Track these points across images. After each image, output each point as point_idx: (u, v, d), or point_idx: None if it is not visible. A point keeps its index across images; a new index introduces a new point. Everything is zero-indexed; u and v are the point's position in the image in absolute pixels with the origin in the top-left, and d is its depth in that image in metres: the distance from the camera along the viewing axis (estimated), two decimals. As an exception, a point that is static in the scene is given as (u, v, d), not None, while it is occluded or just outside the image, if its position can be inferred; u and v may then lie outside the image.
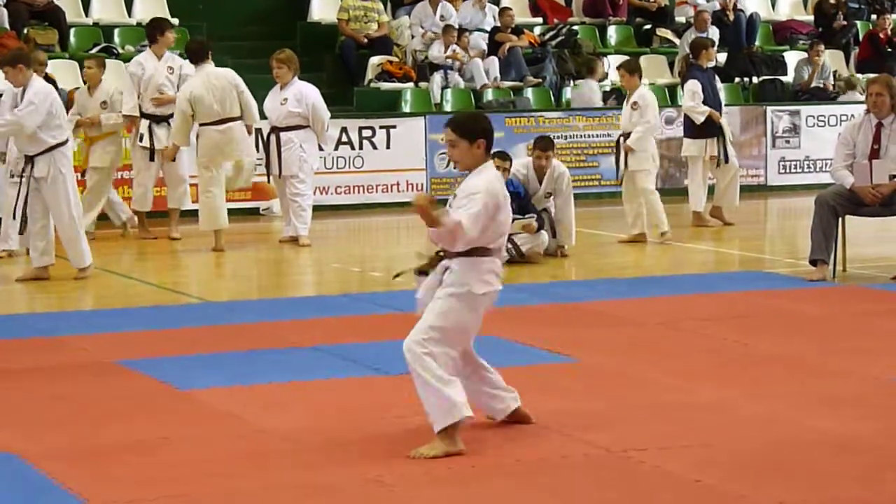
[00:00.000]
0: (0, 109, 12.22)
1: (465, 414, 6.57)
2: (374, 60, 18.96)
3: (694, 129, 15.48)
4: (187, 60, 14.83)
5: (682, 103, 15.80)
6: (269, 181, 15.03)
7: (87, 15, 18.85)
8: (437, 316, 6.64)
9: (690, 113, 15.45)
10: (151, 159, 14.84)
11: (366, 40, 19.21)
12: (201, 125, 14.11)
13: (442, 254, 6.78)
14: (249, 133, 14.45)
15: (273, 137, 14.49)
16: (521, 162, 13.53)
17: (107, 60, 16.75)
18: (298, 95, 14.45)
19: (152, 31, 15.23)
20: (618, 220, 15.80)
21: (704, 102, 15.37)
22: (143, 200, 15.03)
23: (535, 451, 6.64)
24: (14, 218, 12.48)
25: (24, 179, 12.17)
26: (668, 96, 19.91)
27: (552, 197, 13.39)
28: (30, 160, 12.10)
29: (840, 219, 11.83)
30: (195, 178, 14.61)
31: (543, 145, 13.34)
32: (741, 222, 15.77)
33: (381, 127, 17.38)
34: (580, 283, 12.31)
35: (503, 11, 19.98)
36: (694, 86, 15.41)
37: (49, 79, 15.55)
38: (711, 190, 15.83)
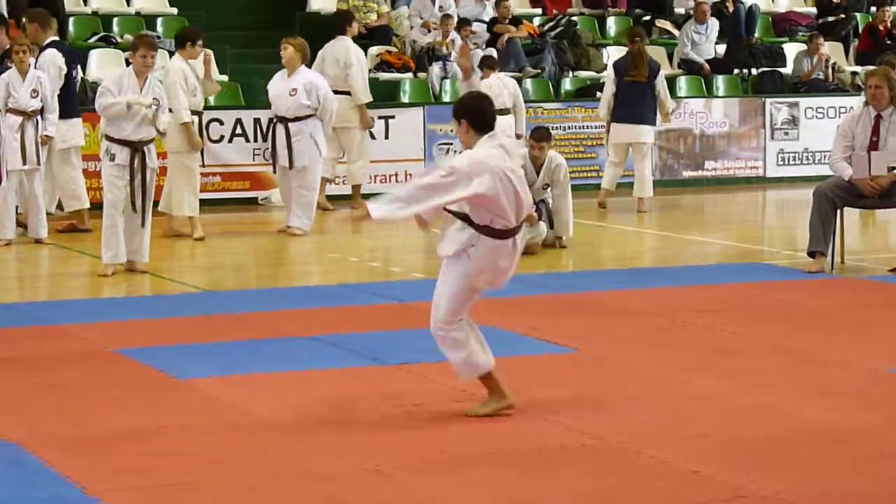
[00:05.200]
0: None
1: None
2: (374, 51, 18.93)
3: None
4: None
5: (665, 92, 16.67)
6: (274, 172, 14.80)
7: (85, 4, 18.79)
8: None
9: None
10: None
11: (365, 30, 19.18)
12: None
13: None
14: None
15: (281, 128, 14.29)
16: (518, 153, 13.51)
17: (106, 50, 16.81)
18: (309, 87, 14.24)
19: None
20: (616, 211, 15.81)
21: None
22: None
23: (533, 440, 6.65)
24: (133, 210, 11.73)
25: (134, 170, 11.58)
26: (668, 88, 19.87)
27: (549, 188, 13.39)
28: (136, 151, 11.62)
29: (838, 211, 11.84)
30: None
31: (538, 135, 13.32)
32: (741, 214, 15.77)
33: (379, 117, 17.35)
34: (578, 275, 12.32)
35: (499, 3, 19.93)
36: None
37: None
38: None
